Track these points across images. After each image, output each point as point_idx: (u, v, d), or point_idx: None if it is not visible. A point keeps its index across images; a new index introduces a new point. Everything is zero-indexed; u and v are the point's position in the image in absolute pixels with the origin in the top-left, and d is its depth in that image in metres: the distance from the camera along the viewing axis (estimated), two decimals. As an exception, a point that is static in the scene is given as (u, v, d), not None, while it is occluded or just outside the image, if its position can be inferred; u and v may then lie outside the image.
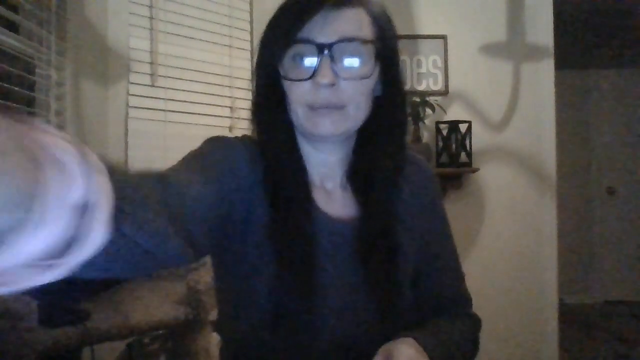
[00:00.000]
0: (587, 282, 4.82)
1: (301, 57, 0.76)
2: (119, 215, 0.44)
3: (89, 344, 1.35)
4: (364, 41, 0.77)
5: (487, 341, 0.96)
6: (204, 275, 1.60)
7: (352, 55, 0.76)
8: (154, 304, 1.54)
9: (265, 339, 0.79)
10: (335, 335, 0.80)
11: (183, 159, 0.74)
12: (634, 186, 4.84)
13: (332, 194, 0.86)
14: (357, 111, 0.79)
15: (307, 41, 0.75)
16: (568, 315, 3.86)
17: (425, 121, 2.70)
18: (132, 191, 0.48)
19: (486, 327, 0.92)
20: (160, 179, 0.60)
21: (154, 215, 0.51)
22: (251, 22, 2.34)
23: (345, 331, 0.81)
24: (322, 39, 0.75)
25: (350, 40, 0.75)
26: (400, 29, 0.84)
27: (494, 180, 2.83)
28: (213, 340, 1.62)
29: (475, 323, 0.92)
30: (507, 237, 2.82)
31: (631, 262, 4.77)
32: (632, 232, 4.81)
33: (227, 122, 2.23)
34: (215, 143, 0.80)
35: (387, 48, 0.80)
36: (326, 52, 0.74)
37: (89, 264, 0.38)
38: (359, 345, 0.79)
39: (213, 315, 1.55)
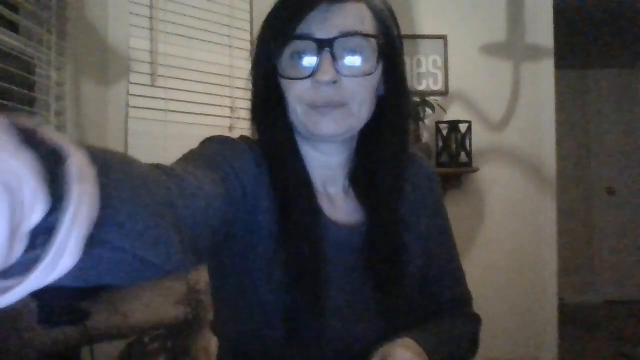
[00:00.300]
0: (587, 282, 4.81)
1: (300, 54, 0.73)
2: (111, 226, 0.40)
3: (89, 343, 1.35)
4: (366, 36, 0.73)
5: (486, 340, 0.95)
6: (204, 275, 1.60)
7: (353, 51, 0.73)
8: (154, 303, 1.53)
9: (268, 341, 0.78)
10: (341, 339, 0.79)
11: (185, 157, 0.71)
12: (634, 186, 4.84)
13: (335, 199, 0.84)
14: (360, 110, 0.76)
15: (306, 37, 0.72)
16: (568, 315, 3.86)
17: (425, 121, 2.69)
18: (132, 194, 0.44)
19: (486, 325, 0.92)
20: (171, 176, 0.56)
21: (156, 221, 0.47)
22: (251, 22, 2.34)
23: (351, 334, 0.80)
24: (321, 34, 0.72)
25: (351, 35, 0.72)
26: (400, 28, 0.83)
27: (494, 180, 2.82)
28: (213, 340, 1.61)
29: (475, 322, 0.91)
30: (507, 237, 2.82)
31: (631, 262, 4.77)
32: (632, 232, 4.80)
33: (227, 122, 2.23)
34: (219, 144, 0.77)
35: (390, 44, 0.77)
36: (326, 48, 0.71)
37: (76, 276, 0.36)
38: (364, 347, 0.79)
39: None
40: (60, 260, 0.33)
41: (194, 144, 0.78)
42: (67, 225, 0.33)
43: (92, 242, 0.36)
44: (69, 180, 0.33)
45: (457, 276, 0.92)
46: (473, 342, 0.89)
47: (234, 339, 0.85)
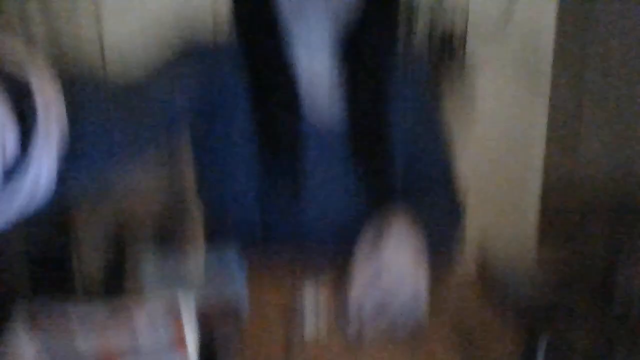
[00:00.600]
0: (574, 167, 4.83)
1: None
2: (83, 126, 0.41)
3: (75, 242, 1.36)
4: None
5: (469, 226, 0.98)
6: (188, 165, 1.59)
7: None
8: (139, 196, 1.53)
9: (247, 215, 0.82)
10: (319, 216, 0.83)
11: (161, 62, 0.70)
12: (627, 95, 4.76)
13: (321, 97, 0.84)
14: (349, 11, 0.77)
15: None
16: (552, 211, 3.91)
17: (419, 28, 2.61)
18: (96, 96, 0.44)
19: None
20: (142, 79, 0.58)
21: (127, 120, 0.49)
22: None
23: (331, 211, 0.84)
24: None
25: None
26: None
27: (488, 87, 2.77)
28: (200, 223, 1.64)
29: (460, 210, 0.94)
30: (498, 135, 2.83)
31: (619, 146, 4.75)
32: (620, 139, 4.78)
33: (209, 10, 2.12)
34: (194, 53, 0.77)
35: None
36: None
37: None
38: (344, 227, 0.83)
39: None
40: (38, 171, 0.33)
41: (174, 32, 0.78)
42: (44, 129, 0.33)
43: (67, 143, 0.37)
44: (35, 97, 0.34)
45: (447, 163, 0.95)
46: (458, 225, 0.93)
47: (215, 207, 0.89)
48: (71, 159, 0.39)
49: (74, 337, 0.50)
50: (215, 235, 0.91)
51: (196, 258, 0.75)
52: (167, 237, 1.61)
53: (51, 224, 1.31)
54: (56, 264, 1.35)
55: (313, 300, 0.75)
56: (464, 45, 2.55)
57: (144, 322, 0.52)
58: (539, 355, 0.58)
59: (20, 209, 0.33)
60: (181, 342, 0.50)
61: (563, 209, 4.10)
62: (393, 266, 0.69)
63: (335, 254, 0.81)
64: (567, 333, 0.60)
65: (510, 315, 0.76)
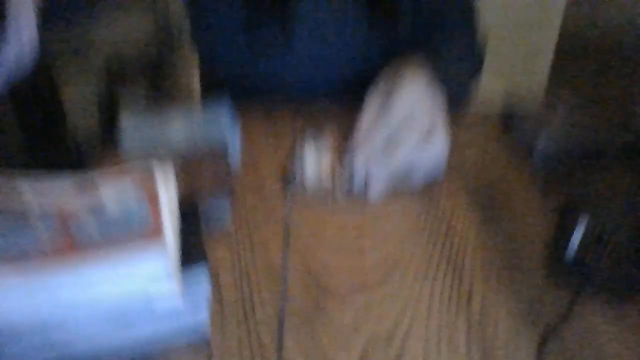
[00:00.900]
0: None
1: None
2: None
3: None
4: None
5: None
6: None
7: None
8: (124, 32, 1.43)
9: (235, 52, 0.75)
10: (311, 56, 0.74)
11: None
12: None
13: None
14: None
15: None
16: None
17: None
18: None
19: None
20: None
21: None
22: None
23: (325, 50, 0.74)
24: None
25: None
26: None
27: None
28: (195, 77, 1.58)
29: (480, 55, 0.83)
30: None
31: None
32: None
33: None
34: None
35: None
36: None
37: None
38: (340, 71, 0.75)
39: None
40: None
41: None
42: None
43: None
44: None
45: (467, 10, 0.82)
46: (478, 70, 0.82)
47: (208, 53, 0.83)
48: (51, 15, 0.38)
49: (24, 204, 0.43)
50: (209, 88, 0.83)
51: (187, 113, 0.66)
52: (157, 91, 1.53)
53: (38, 86, 1.21)
54: (47, 131, 1.29)
55: (314, 155, 0.68)
56: None
57: (112, 201, 0.44)
58: (577, 231, 0.51)
59: (7, 79, 0.35)
60: (157, 227, 0.42)
61: (582, 52, 3.90)
62: (407, 122, 0.60)
63: (341, 106, 0.72)
64: (602, 208, 0.52)
65: (538, 180, 0.70)
